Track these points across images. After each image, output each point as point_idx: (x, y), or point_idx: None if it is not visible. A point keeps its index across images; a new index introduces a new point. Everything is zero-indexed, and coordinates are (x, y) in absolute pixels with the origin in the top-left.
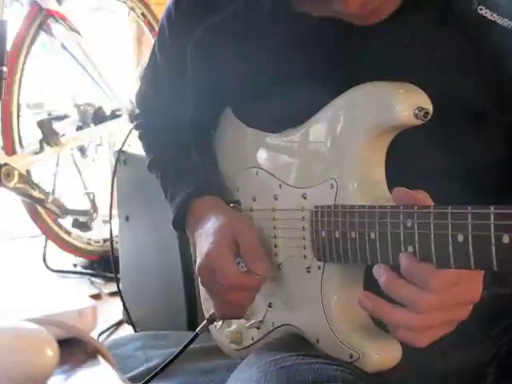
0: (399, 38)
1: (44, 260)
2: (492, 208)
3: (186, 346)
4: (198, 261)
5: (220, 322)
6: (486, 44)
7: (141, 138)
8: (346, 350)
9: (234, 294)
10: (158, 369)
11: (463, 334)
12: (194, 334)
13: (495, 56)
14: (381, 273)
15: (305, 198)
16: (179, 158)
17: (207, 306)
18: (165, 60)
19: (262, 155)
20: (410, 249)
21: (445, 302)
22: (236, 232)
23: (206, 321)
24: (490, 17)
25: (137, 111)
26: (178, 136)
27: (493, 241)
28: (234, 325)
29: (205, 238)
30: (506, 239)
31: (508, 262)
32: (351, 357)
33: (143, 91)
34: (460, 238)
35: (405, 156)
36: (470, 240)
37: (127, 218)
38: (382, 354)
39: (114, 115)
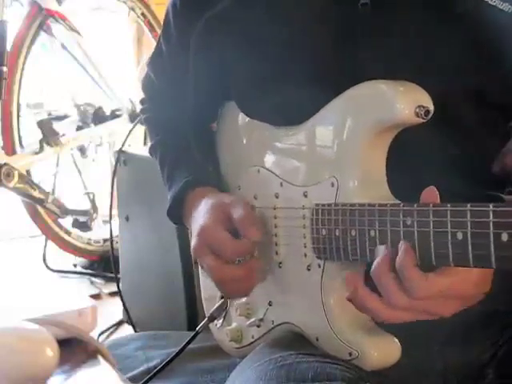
0: (398, 24)
1: (44, 260)
2: (491, 206)
3: (186, 344)
4: (193, 242)
5: (220, 321)
6: (487, 28)
7: (145, 121)
8: (346, 348)
9: (234, 266)
10: (159, 367)
11: (462, 334)
12: (195, 332)
13: (496, 40)
14: (378, 254)
15: (306, 196)
16: (179, 147)
17: (207, 305)
18: (169, 49)
19: (263, 153)
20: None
21: (417, 308)
22: (228, 207)
23: (206, 319)
24: (490, 1)
25: (142, 95)
26: (179, 127)
27: (492, 238)
28: (235, 323)
29: (197, 220)
30: (504, 237)
31: (507, 259)
32: (350, 355)
33: (148, 77)
34: (459, 235)
35: (408, 151)
36: (469, 238)
37: (127, 218)
38: (382, 352)
39: (114, 115)
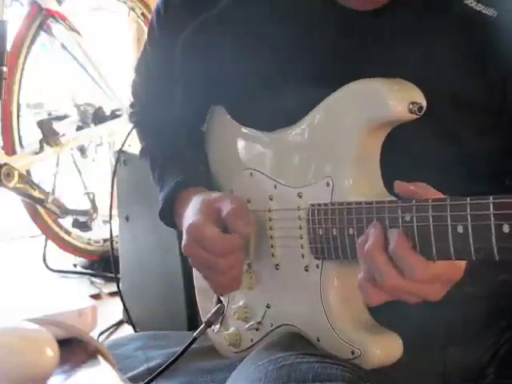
0: (389, 33)
1: (44, 260)
2: (491, 198)
3: (184, 350)
4: (183, 239)
5: (218, 326)
6: (474, 34)
7: (135, 125)
8: (348, 347)
9: (225, 258)
10: (156, 372)
11: (463, 333)
12: (192, 338)
13: (482, 45)
14: (371, 233)
15: (300, 196)
16: (170, 149)
17: (204, 310)
18: (154, 55)
19: (256, 156)
20: (410, 242)
21: (408, 291)
22: (218, 203)
23: (203, 325)
24: (475, 7)
25: (132, 99)
26: (169, 129)
27: (493, 230)
28: (233, 327)
29: (187, 217)
30: (506, 228)
31: (509, 250)
32: (353, 353)
33: (136, 82)
34: (460, 229)
35: (401, 148)
36: (469, 231)
37: (127, 218)
38: (384, 350)
39: (114, 115)
